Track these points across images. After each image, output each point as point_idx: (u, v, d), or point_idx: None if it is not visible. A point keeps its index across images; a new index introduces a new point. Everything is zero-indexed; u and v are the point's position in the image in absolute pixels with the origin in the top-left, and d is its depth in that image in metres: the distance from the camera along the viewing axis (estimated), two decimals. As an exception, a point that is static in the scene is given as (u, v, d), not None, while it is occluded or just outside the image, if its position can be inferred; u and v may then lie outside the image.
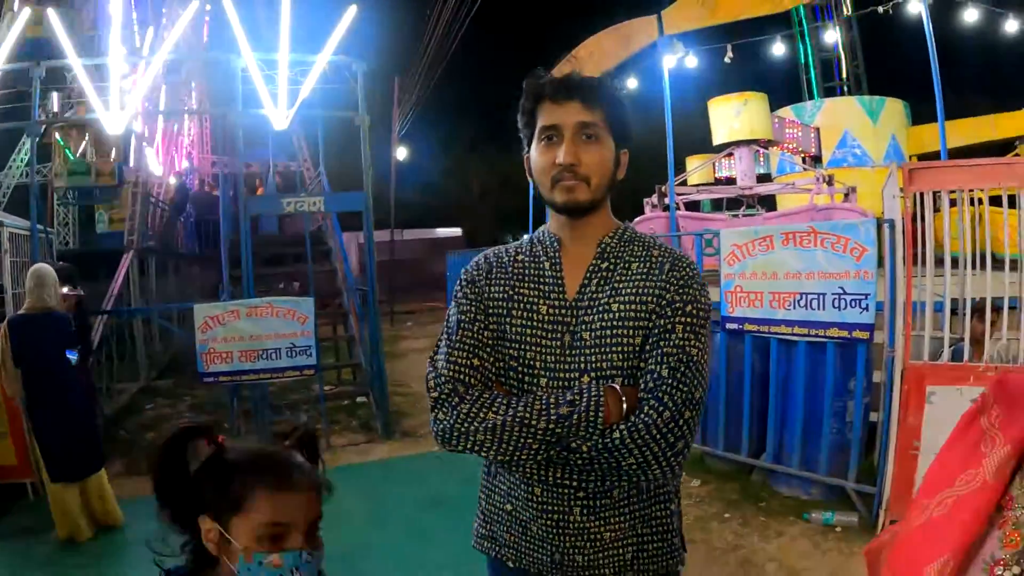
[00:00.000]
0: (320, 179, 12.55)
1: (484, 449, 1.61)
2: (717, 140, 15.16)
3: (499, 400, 1.63)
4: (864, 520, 4.61)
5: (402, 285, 22.14)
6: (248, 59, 7.40)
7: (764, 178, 18.63)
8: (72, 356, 5.37)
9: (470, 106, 40.00)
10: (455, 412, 1.64)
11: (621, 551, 1.71)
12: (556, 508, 1.69)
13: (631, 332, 1.64)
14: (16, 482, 5.99)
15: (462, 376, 1.68)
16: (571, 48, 8.99)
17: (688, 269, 1.69)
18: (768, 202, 15.54)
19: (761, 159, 17.99)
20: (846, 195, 12.37)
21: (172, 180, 17.08)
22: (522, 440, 1.58)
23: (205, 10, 16.83)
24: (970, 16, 10.96)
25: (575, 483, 1.67)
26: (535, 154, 1.74)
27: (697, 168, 17.63)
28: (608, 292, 1.69)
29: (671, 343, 1.61)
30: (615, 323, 1.65)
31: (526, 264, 1.80)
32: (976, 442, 0.84)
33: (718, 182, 17.85)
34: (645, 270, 1.70)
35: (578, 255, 1.76)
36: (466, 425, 1.62)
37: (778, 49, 12.68)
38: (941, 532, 0.78)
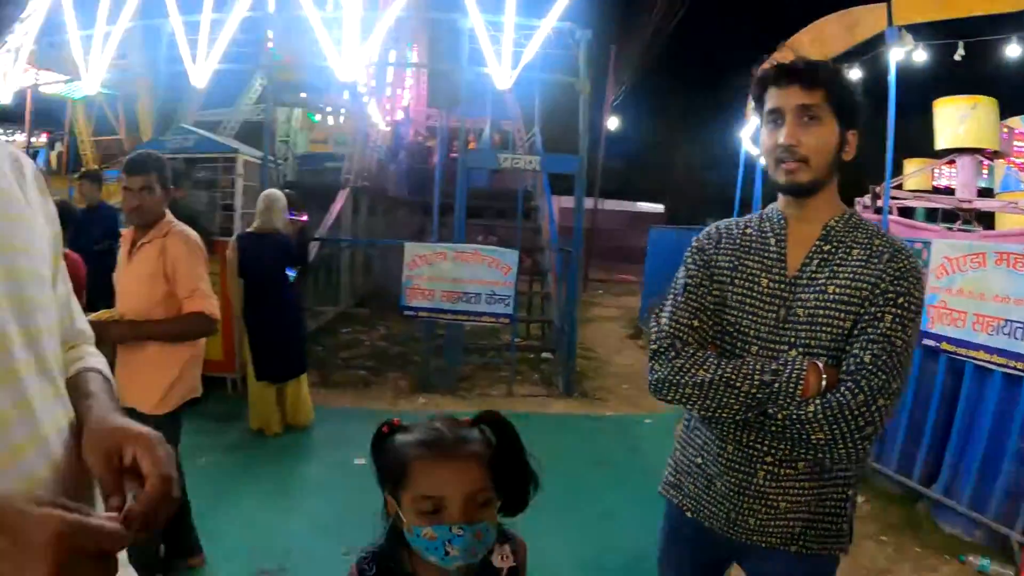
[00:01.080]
0: (533, 140, 12.92)
1: (690, 402, 1.75)
2: (939, 145, 13.75)
3: (710, 359, 1.75)
4: (1020, 576, 4.31)
5: (599, 253, 22.32)
6: (475, 20, 7.79)
7: (985, 193, 16.93)
8: (291, 273, 6.01)
9: (684, 83, 39.23)
10: (670, 365, 1.78)
11: (791, 523, 1.80)
12: (742, 468, 1.80)
13: (842, 315, 1.70)
14: (219, 376, 6.80)
15: (681, 334, 1.82)
16: (795, 31, 8.64)
17: (907, 261, 1.71)
18: (987, 219, 14.14)
19: (984, 171, 16.40)
20: (1077, 226, 11.13)
21: (388, 129, 18.14)
22: (725, 399, 1.70)
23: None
24: None
25: (764, 447, 1.77)
26: (762, 136, 1.83)
27: (914, 173, 16.22)
28: (827, 273, 1.75)
29: (878, 331, 1.65)
30: (829, 304, 1.71)
31: (753, 237, 1.88)
32: None
33: (935, 191, 16.41)
34: (865, 257, 1.73)
35: (803, 234, 1.82)
36: (678, 378, 1.75)
37: (1013, 51, 11.38)
38: None
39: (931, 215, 14.02)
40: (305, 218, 6.90)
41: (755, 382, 1.66)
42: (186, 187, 7.07)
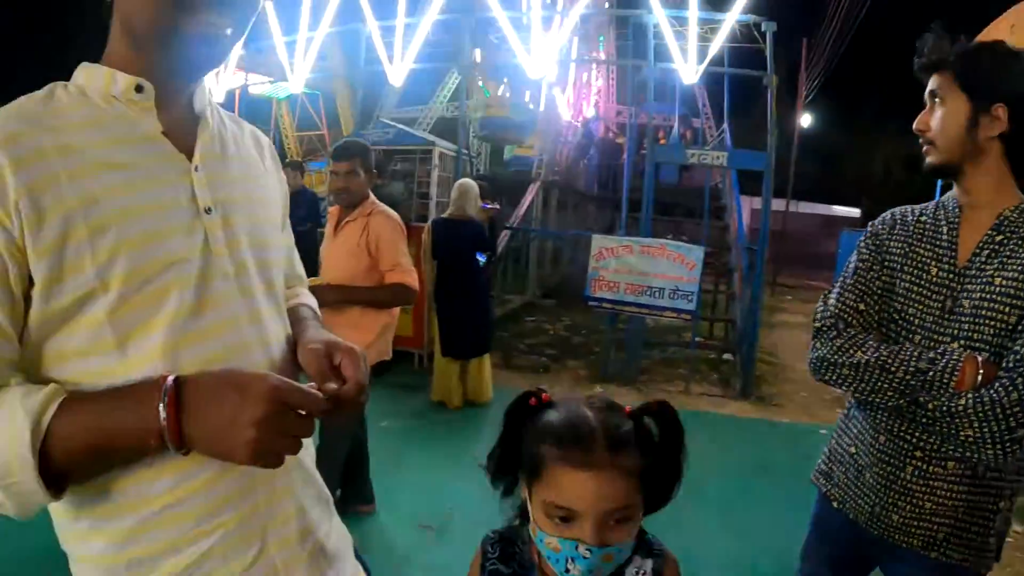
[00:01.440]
0: (722, 137, 12.80)
1: (846, 383, 1.77)
2: None
3: (870, 342, 1.75)
4: None
5: (789, 258, 21.39)
6: (659, 16, 7.84)
7: None
8: (481, 258, 6.41)
9: (881, 77, 36.59)
10: (830, 344, 1.80)
11: (935, 526, 1.74)
12: (892, 461, 1.78)
13: (1007, 309, 1.62)
14: (407, 350, 7.37)
15: (845, 315, 1.84)
16: (997, 15, 7.94)
17: None
18: None
19: None
20: None
21: (579, 125, 18.51)
22: (879, 383, 1.70)
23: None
24: None
25: (915, 440, 1.75)
26: None
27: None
28: (995, 265, 1.67)
29: None
30: (994, 297, 1.64)
31: (927, 225, 1.84)
32: None
33: None
34: None
35: (977, 223, 1.75)
36: (836, 358, 1.78)
37: None
38: None
39: None
40: (497, 207, 7.30)
41: (910, 368, 1.65)
42: (385, 176, 7.71)
